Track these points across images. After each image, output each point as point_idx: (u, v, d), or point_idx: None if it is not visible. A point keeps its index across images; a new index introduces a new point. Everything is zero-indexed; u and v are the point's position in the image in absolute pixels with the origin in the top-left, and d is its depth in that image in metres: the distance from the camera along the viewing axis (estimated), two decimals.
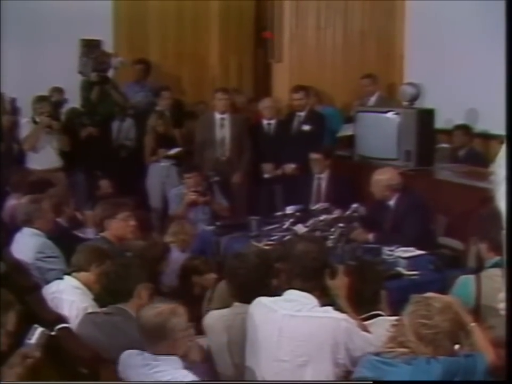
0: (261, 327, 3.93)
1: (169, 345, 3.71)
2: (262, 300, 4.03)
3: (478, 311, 4.32)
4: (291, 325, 3.83)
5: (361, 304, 4.16)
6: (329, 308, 3.84)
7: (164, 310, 3.74)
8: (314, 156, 8.22)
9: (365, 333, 3.82)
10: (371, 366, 3.33)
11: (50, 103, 9.11)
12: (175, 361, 3.69)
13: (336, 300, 4.04)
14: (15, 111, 9.46)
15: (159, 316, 3.72)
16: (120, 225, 5.92)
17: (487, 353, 3.46)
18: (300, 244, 4.09)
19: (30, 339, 3.70)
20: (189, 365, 3.73)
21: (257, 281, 4.29)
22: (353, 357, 3.71)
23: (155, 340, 3.74)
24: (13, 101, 9.55)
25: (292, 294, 3.92)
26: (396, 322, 3.38)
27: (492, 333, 4.19)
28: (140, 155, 9.49)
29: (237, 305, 4.34)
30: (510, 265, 1.11)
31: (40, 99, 8.86)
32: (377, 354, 3.36)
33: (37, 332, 3.74)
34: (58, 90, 9.59)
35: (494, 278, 4.32)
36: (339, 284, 4.05)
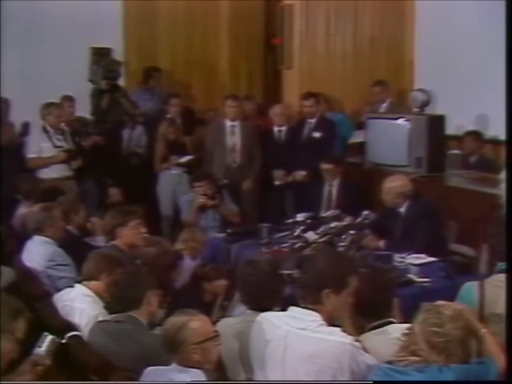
0: (267, 343, 3.86)
1: (184, 358, 3.72)
2: (267, 316, 3.96)
3: (481, 318, 4.31)
4: (295, 342, 3.74)
5: (373, 311, 4.13)
6: (336, 329, 3.71)
7: (175, 323, 3.74)
8: (325, 166, 8.20)
9: (369, 356, 3.72)
10: (383, 374, 3.31)
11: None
12: (198, 374, 3.68)
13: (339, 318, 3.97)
14: (25, 133, 9.45)
15: (171, 327, 3.74)
16: (131, 233, 5.92)
17: (498, 360, 3.43)
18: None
19: (40, 347, 3.71)
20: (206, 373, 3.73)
21: (269, 288, 4.28)
22: (357, 380, 3.67)
23: (169, 351, 3.75)
24: (26, 125, 9.55)
25: (296, 311, 3.82)
26: (407, 331, 3.35)
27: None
28: (150, 163, 9.50)
29: (248, 312, 4.33)
30: (510, 267, 1.10)
31: (47, 105, 8.83)
32: (389, 362, 3.34)
33: (47, 340, 3.74)
34: (69, 99, 9.60)
35: (496, 283, 4.31)
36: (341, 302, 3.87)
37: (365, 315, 4.13)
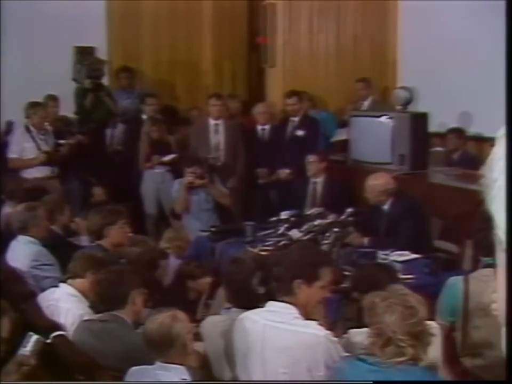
0: (246, 339, 3.90)
1: (179, 352, 3.74)
2: (247, 313, 3.99)
3: (466, 312, 4.35)
4: (272, 336, 3.78)
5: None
6: (312, 322, 3.75)
7: (165, 319, 3.75)
8: (309, 158, 8.22)
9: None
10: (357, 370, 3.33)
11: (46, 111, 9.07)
12: (181, 371, 3.69)
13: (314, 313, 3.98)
14: (9, 131, 9.42)
15: (162, 325, 3.74)
16: (118, 233, 5.93)
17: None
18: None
19: (25, 347, 3.71)
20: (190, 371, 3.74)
21: (254, 286, 4.29)
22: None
23: (164, 349, 3.75)
24: (10, 124, 9.52)
25: (273, 305, 3.86)
26: (375, 330, 3.35)
27: (478, 333, 4.24)
28: (132, 162, 9.48)
29: (233, 310, 4.34)
30: (510, 267, 1.12)
31: (34, 105, 8.82)
32: (361, 359, 3.35)
33: (32, 340, 3.75)
34: (53, 98, 9.57)
35: (481, 278, 4.35)
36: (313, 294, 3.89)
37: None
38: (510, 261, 1.05)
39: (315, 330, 3.70)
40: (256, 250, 6.27)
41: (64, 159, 8.94)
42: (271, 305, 3.87)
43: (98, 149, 9.59)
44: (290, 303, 3.80)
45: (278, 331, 3.77)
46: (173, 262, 6.35)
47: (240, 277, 4.35)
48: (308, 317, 3.80)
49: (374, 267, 4.76)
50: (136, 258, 5.78)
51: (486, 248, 4.34)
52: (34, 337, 3.79)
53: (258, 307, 4.01)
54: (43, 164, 8.74)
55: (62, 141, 9.08)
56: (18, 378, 3.59)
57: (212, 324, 4.39)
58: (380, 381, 3.28)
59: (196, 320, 4.73)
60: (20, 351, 3.71)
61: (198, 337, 4.31)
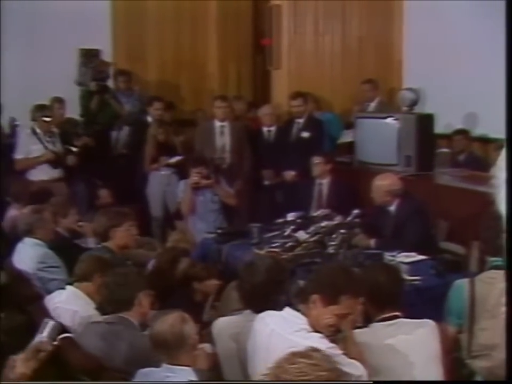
0: (255, 339, 3.90)
1: (188, 353, 3.74)
2: (263, 314, 3.97)
3: (472, 314, 4.34)
4: (275, 342, 3.74)
5: (382, 304, 4.16)
6: (315, 335, 3.68)
7: (175, 320, 3.74)
8: (315, 159, 8.21)
9: (350, 361, 3.66)
10: None
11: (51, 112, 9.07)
12: (189, 372, 3.69)
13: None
14: (14, 132, 9.43)
15: (173, 326, 3.72)
16: (125, 235, 5.93)
17: None
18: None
19: (41, 333, 3.72)
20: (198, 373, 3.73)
21: (265, 293, 4.26)
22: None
23: (174, 350, 3.73)
24: (14, 125, 9.52)
25: (286, 312, 3.84)
26: None
27: (484, 334, 4.23)
28: (139, 163, 9.48)
29: (247, 312, 4.33)
30: (510, 268, 1.11)
31: (40, 107, 8.83)
32: None
33: (49, 326, 3.76)
34: (59, 100, 9.58)
35: (486, 280, 4.34)
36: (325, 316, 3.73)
37: (376, 306, 4.16)
38: (510, 262, 1.05)
39: (314, 344, 3.48)
40: (263, 252, 6.24)
41: (73, 163, 8.95)
42: (286, 311, 3.85)
43: (104, 151, 9.60)
44: (303, 313, 3.75)
45: (281, 338, 3.73)
46: None
47: (252, 282, 4.34)
48: (317, 330, 3.73)
49: (376, 268, 4.69)
50: (158, 257, 5.80)
51: (492, 248, 4.33)
52: (50, 323, 3.79)
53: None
54: (49, 161, 8.73)
55: (73, 148, 9.10)
56: (36, 364, 3.57)
57: (223, 325, 4.38)
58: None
59: (202, 322, 4.72)
60: (37, 338, 3.71)
61: (203, 338, 4.30)
